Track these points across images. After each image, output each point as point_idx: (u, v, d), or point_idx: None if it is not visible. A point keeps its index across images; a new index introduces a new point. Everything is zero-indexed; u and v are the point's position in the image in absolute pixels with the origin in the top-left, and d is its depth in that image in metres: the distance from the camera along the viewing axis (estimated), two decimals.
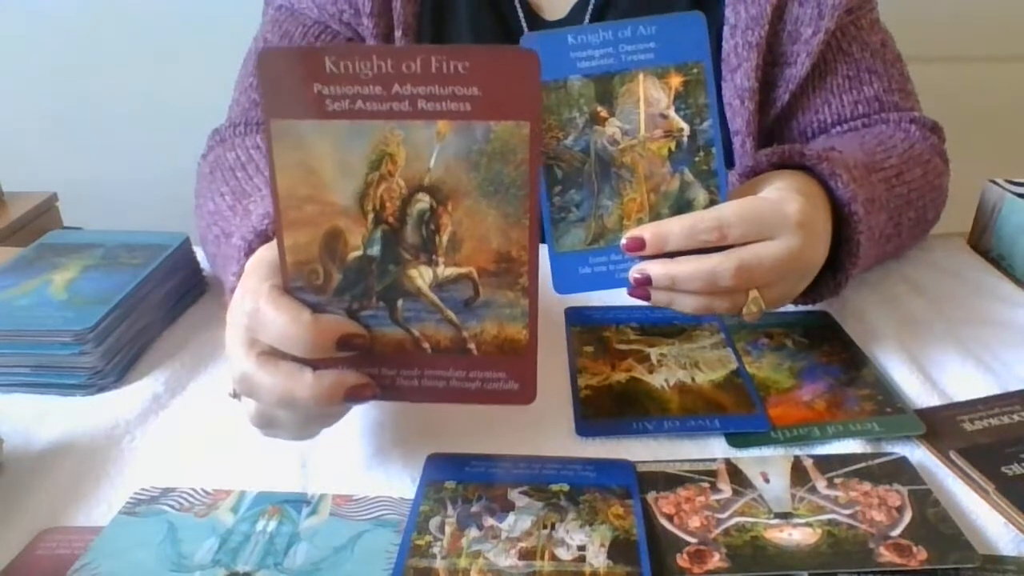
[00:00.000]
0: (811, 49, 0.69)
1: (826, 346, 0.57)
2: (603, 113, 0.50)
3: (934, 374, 0.54)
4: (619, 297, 0.62)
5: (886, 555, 0.39)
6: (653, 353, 0.56)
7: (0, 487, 0.45)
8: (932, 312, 0.62)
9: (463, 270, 0.40)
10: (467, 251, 0.40)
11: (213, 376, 0.55)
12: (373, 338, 0.41)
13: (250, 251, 0.49)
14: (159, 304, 0.60)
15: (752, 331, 0.58)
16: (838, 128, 0.72)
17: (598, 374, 0.54)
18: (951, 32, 1.42)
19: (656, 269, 0.50)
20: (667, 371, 0.54)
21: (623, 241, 0.51)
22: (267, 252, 0.44)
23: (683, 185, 0.52)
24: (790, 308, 0.57)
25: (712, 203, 0.52)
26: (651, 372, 0.54)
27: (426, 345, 0.42)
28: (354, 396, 0.41)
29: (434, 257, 0.40)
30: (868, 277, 0.66)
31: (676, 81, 0.50)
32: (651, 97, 0.50)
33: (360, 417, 0.50)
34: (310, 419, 0.43)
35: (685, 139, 0.51)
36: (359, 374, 0.41)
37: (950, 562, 0.38)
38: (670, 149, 0.51)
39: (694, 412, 0.50)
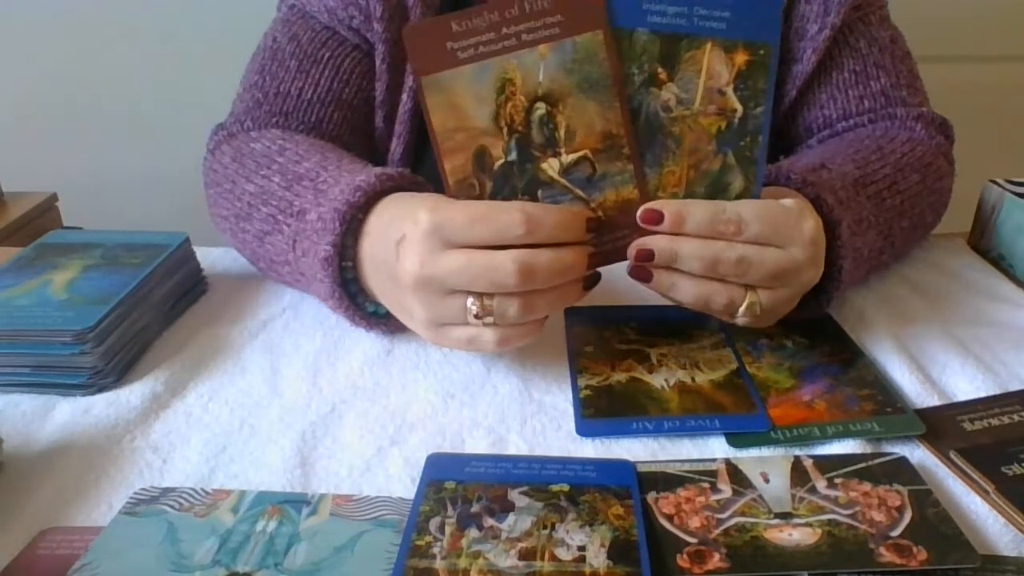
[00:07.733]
0: (817, 45, 0.70)
1: (826, 346, 0.57)
2: (662, 76, 0.49)
3: (934, 374, 0.54)
4: (619, 297, 0.62)
5: (886, 555, 0.39)
6: (653, 353, 0.56)
7: (0, 487, 0.45)
8: (932, 312, 0.62)
9: (580, 153, 0.50)
10: (580, 138, 0.49)
11: (213, 376, 0.55)
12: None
13: (344, 220, 0.52)
14: (159, 304, 0.60)
15: (752, 331, 0.58)
16: (843, 123, 0.72)
17: (598, 374, 0.54)
18: (951, 32, 1.42)
19: (660, 243, 0.49)
20: (667, 371, 0.54)
21: (639, 212, 0.50)
22: (398, 201, 0.52)
23: (724, 167, 0.50)
24: None
25: (747, 191, 0.50)
26: (651, 372, 0.54)
27: None
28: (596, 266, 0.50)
29: (557, 149, 0.50)
30: (868, 278, 0.66)
31: (741, 59, 0.48)
32: (714, 70, 0.48)
33: (360, 417, 0.50)
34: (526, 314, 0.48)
35: (736, 121, 0.49)
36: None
37: (950, 562, 0.38)
38: (719, 128, 0.49)
39: (694, 412, 0.50)
